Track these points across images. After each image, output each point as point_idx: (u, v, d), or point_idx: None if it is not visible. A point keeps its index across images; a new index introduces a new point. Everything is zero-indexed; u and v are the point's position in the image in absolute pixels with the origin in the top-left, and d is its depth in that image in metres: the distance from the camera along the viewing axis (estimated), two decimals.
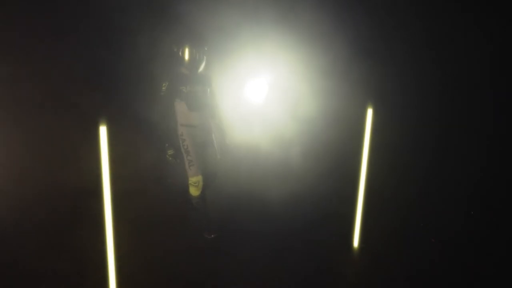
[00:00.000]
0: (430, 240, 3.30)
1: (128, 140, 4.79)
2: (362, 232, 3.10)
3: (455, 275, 2.81)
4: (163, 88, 3.05)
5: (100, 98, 4.75)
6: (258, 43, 4.83)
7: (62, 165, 4.48)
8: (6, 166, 4.28)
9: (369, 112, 2.77)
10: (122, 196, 3.95)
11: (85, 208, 3.67)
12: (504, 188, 4.29)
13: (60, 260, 2.88)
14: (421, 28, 5.04)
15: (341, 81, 5.31)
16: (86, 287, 2.59)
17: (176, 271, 2.81)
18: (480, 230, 3.49)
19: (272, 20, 5.52)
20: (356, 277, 2.79)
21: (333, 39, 5.20)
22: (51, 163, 4.46)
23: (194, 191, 3.22)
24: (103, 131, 2.06)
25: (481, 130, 4.90)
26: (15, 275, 2.70)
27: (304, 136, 5.56)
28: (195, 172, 3.16)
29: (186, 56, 3.07)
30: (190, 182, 3.20)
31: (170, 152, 3.09)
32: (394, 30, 5.07)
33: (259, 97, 4.96)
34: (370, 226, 3.29)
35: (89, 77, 4.75)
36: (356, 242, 3.12)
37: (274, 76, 5.17)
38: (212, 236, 3.25)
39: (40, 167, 4.37)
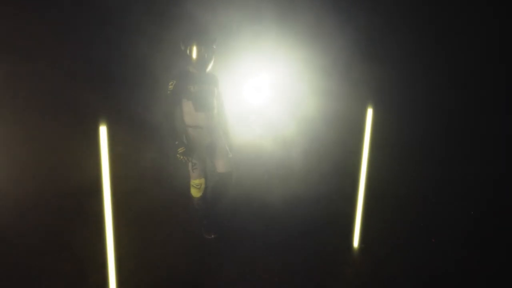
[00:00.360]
0: (430, 240, 3.30)
1: (128, 140, 4.79)
2: (362, 232, 3.10)
3: (455, 275, 2.82)
4: (170, 86, 2.98)
5: (101, 98, 4.75)
6: (258, 44, 4.84)
7: (62, 165, 4.48)
8: (7, 166, 4.28)
9: (369, 112, 2.77)
10: (122, 196, 3.96)
11: (85, 208, 3.68)
12: (505, 188, 4.29)
13: (61, 259, 2.88)
14: (420, 28, 5.05)
15: (342, 81, 5.33)
16: (87, 287, 2.60)
17: (176, 271, 2.81)
18: (480, 230, 3.49)
19: (273, 22, 5.54)
20: (356, 277, 2.79)
21: (334, 40, 5.22)
22: (51, 163, 4.46)
23: (195, 193, 3.21)
24: (103, 131, 2.06)
25: (482, 130, 4.90)
26: (15, 275, 2.70)
27: (304, 136, 5.57)
28: (198, 175, 3.14)
29: (194, 55, 3.00)
30: (192, 183, 3.18)
31: (180, 150, 2.96)
32: (393, 30, 5.08)
33: (260, 97, 4.97)
34: (370, 226, 3.29)
35: (89, 77, 4.76)
36: (356, 242, 3.12)
37: (275, 77, 5.19)
38: (212, 236, 3.25)
39: (40, 167, 4.38)
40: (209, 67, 3.10)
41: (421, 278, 2.77)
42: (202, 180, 3.17)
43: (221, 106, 3.29)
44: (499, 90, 4.89)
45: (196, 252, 3.06)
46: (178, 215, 3.71)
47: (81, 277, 2.68)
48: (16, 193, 3.99)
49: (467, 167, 4.75)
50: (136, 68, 5.01)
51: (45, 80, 4.54)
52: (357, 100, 5.09)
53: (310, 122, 5.61)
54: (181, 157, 2.95)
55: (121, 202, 3.82)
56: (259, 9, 5.09)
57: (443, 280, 2.76)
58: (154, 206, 3.91)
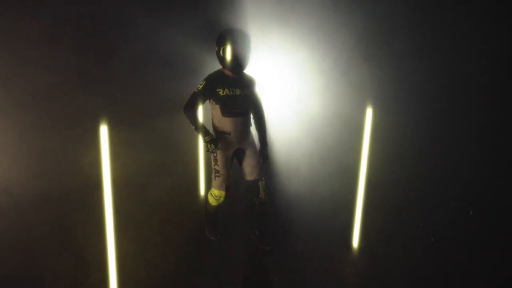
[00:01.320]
0: (429, 240, 3.31)
1: (129, 140, 4.79)
2: (362, 232, 3.11)
3: (454, 275, 2.82)
4: (199, 86, 2.81)
5: (101, 97, 4.75)
6: (261, 45, 4.83)
7: (63, 165, 4.49)
8: (7, 165, 4.28)
9: (369, 112, 2.77)
10: (123, 195, 3.96)
11: (85, 208, 3.68)
12: (504, 188, 4.30)
13: (62, 259, 2.89)
14: (419, 32, 5.08)
15: (343, 82, 5.35)
16: (88, 286, 2.60)
17: (176, 271, 2.82)
18: (480, 230, 3.49)
19: (275, 24, 5.54)
20: (355, 276, 2.79)
21: (336, 43, 5.25)
22: (52, 162, 4.47)
23: (212, 201, 3.06)
24: (103, 130, 2.07)
25: (481, 130, 4.91)
26: (16, 274, 2.71)
27: (305, 136, 5.58)
28: (220, 185, 2.95)
29: (228, 56, 2.74)
30: (211, 192, 3.02)
31: (207, 138, 2.82)
32: (393, 34, 5.10)
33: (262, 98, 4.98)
34: (370, 226, 3.30)
35: (90, 77, 4.76)
36: (355, 242, 3.13)
37: (277, 78, 5.22)
38: (213, 238, 3.22)
39: (41, 166, 4.38)
40: (245, 70, 2.87)
41: (421, 278, 2.78)
42: (222, 193, 2.98)
43: (259, 112, 3.02)
44: (500, 90, 4.89)
45: (196, 252, 3.07)
46: (179, 215, 3.71)
47: (83, 276, 2.69)
48: (17, 192, 4.00)
49: (467, 167, 4.75)
50: (138, 67, 5.01)
51: (47, 80, 4.54)
52: (358, 100, 5.11)
53: (311, 122, 5.62)
54: (208, 145, 2.81)
55: (122, 201, 3.82)
56: (262, 11, 5.11)
57: (442, 279, 2.77)
58: (154, 206, 3.91)
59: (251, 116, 3.02)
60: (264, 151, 3.11)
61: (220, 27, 4.87)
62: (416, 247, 3.18)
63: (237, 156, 3.05)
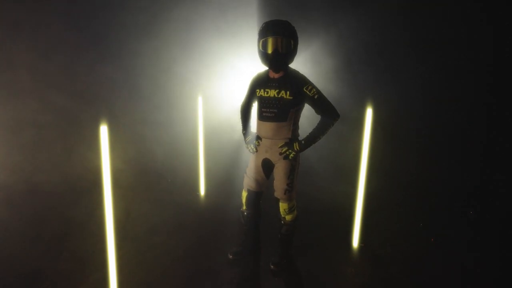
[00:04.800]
0: (429, 240, 3.31)
1: (130, 139, 4.80)
2: (362, 232, 3.11)
3: (454, 275, 2.82)
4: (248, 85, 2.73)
5: (102, 96, 4.76)
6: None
7: (64, 164, 4.49)
8: (7, 164, 4.28)
9: (369, 112, 2.77)
10: (123, 195, 3.97)
11: (86, 207, 3.68)
12: (504, 188, 4.30)
13: (61, 259, 2.89)
14: (419, 36, 5.11)
15: (346, 81, 5.36)
16: (87, 286, 2.60)
17: (176, 271, 2.81)
18: (480, 230, 3.49)
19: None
20: (355, 276, 2.79)
21: (339, 46, 5.27)
22: (52, 162, 4.47)
23: (243, 201, 2.90)
24: (103, 130, 2.06)
25: (480, 130, 4.91)
26: (16, 274, 2.71)
27: (305, 134, 5.56)
28: (245, 184, 2.84)
29: (269, 50, 2.41)
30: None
31: (247, 139, 2.74)
32: (394, 37, 5.13)
33: None
34: (370, 225, 3.30)
35: (91, 75, 4.76)
36: (355, 242, 3.13)
37: None
38: (231, 257, 2.95)
39: (41, 166, 4.39)
40: (285, 66, 2.52)
41: (421, 278, 2.78)
42: (244, 194, 2.87)
43: (321, 116, 2.65)
44: (500, 89, 4.90)
45: (196, 252, 3.07)
46: (179, 215, 3.71)
47: (82, 276, 2.68)
48: (17, 192, 4.00)
49: (467, 167, 4.75)
50: (139, 66, 5.02)
51: (47, 79, 4.55)
52: (359, 100, 5.11)
53: (312, 121, 5.61)
54: (247, 146, 2.75)
55: (122, 201, 3.83)
56: (266, 12, 5.12)
57: (442, 279, 2.77)
58: (154, 205, 3.91)
59: (292, 123, 2.60)
60: (291, 143, 2.62)
61: (221, 27, 4.90)
62: (416, 247, 3.18)
63: (270, 168, 2.77)
